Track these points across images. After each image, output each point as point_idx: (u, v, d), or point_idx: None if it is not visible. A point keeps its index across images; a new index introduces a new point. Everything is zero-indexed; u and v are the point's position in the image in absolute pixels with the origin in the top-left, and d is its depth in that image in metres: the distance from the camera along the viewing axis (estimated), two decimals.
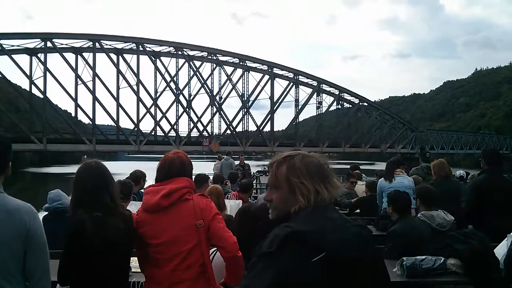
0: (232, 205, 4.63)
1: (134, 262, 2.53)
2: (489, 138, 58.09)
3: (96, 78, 34.15)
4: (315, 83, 43.50)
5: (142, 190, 4.19)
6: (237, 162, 12.42)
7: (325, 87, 44.61)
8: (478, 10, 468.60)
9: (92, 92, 33.93)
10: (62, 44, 33.37)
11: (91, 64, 34.10)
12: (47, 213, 3.79)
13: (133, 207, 3.26)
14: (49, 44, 31.83)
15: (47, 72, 32.37)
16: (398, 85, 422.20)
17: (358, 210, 6.01)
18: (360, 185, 6.79)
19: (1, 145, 1.95)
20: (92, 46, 33.95)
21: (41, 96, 33.09)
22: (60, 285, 2.25)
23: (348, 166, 8.61)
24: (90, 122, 35.58)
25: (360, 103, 46.78)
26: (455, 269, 2.98)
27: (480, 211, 3.90)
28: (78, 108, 35.55)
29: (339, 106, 46.29)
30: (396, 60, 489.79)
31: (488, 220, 3.73)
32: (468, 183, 6.05)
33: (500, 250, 2.99)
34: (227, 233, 2.31)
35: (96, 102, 34.03)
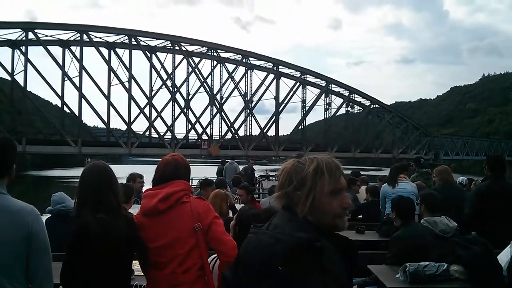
0: None
1: (136, 265, 2.68)
2: (504, 144, 58.02)
3: (85, 74, 33.42)
4: (323, 83, 42.86)
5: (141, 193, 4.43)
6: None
7: (334, 87, 44.00)
8: (482, 17, 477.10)
9: (79, 89, 33.11)
10: (47, 36, 32.63)
11: (79, 57, 33.14)
12: (50, 215, 4.01)
13: (136, 209, 3.48)
14: (33, 36, 31.01)
15: (31, 67, 31.65)
16: (403, 91, 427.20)
17: (360, 216, 6.25)
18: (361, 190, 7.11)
19: (4, 147, 2.10)
20: (79, 38, 32.92)
21: (25, 92, 32.41)
22: (62, 287, 2.37)
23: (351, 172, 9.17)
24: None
25: (372, 106, 46.25)
26: (459, 275, 3.19)
27: (483, 217, 4.15)
28: (65, 107, 34.71)
29: (349, 109, 45.67)
30: (400, 66, 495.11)
31: (491, 227, 3.97)
32: (472, 189, 6.33)
33: (503, 257, 3.19)
34: (226, 237, 2.45)
35: (85, 101, 33.21)
